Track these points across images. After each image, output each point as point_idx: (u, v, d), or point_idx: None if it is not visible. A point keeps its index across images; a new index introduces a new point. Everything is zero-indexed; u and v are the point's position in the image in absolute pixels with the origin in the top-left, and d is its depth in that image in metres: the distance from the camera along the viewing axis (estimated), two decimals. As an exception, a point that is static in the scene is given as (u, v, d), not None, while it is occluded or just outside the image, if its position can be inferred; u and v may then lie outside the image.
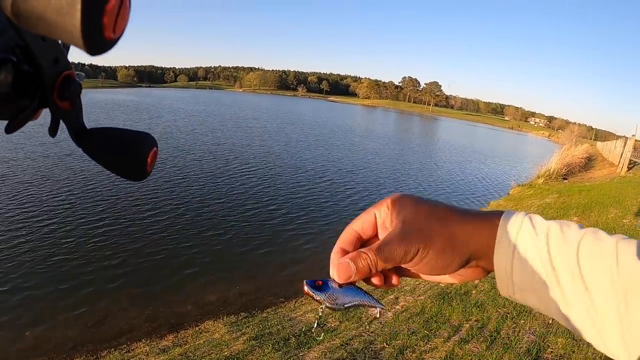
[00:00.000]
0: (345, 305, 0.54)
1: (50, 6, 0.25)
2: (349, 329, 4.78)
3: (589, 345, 2.78)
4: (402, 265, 0.55)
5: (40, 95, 0.36)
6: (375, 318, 0.58)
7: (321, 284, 0.55)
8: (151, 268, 7.49)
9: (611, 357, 0.47)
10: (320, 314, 0.55)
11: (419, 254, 0.52)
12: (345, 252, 0.56)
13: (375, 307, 0.56)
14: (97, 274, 7.02)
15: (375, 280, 0.55)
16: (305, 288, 0.55)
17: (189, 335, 5.46)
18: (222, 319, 5.63)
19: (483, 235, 0.53)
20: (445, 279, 0.58)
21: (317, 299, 0.54)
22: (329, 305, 0.54)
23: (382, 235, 0.57)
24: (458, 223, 0.53)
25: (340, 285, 0.55)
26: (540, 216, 0.53)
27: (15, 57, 0.32)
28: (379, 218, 0.57)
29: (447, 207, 0.55)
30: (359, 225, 0.58)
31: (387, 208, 0.56)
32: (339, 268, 0.54)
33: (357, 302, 0.55)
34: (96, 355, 5.04)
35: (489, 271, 0.56)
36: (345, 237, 0.58)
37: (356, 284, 0.56)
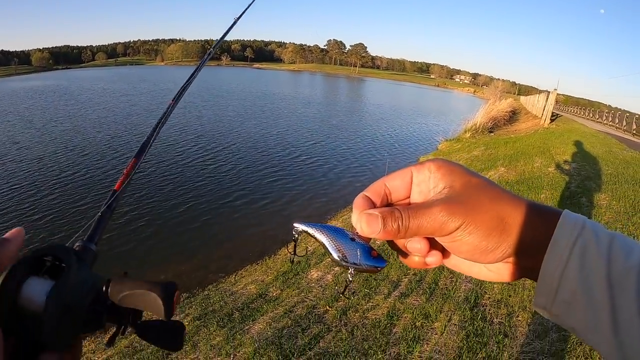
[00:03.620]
0: (356, 266, 0.49)
1: (147, 306, 0.49)
2: (291, 295, 4.78)
3: (524, 288, 2.87)
4: (437, 239, 0.48)
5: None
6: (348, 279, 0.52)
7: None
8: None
9: None
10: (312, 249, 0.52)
11: (461, 228, 0.45)
12: (370, 202, 0.50)
13: (375, 270, 0.50)
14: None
15: (414, 246, 0.49)
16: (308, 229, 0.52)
17: (133, 325, 5.30)
18: (163, 302, 5.48)
19: (536, 229, 0.45)
20: (474, 270, 0.52)
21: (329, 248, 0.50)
22: (341, 260, 0.49)
23: (416, 199, 0.51)
24: (510, 206, 0.46)
25: (352, 238, 0.50)
26: (602, 225, 0.46)
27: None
28: (416, 179, 0.50)
29: (498, 186, 0.48)
30: (392, 181, 0.51)
31: (429, 171, 0.49)
32: (367, 219, 0.47)
33: (363, 264, 0.49)
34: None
35: (523, 275, 0.49)
36: (375, 187, 0.51)
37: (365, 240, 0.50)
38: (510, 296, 4.20)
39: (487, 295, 4.29)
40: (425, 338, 3.70)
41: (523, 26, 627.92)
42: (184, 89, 0.84)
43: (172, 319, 0.52)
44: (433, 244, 0.49)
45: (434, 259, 0.50)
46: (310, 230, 0.51)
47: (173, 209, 9.54)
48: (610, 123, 28.74)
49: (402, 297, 4.42)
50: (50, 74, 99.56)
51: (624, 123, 25.64)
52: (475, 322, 3.81)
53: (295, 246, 0.55)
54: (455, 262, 0.52)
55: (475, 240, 0.45)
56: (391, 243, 0.52)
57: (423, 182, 0.50)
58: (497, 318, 3.88)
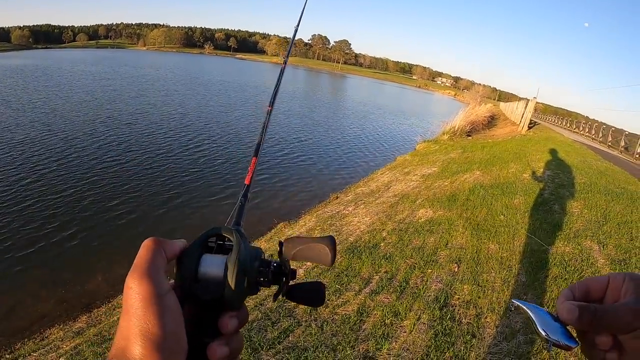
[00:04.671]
0: (555, 341, 0.58)
1: (316, 256, 0.61)
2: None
3: (493, 290, 2.89)
4: (620, 337, 0.55)
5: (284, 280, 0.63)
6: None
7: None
8: (54, 247, 7.11)
9: None
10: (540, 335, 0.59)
11: None
12: (572, 295, 0.60)
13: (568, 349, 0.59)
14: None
15: (601, 340, 0.56)
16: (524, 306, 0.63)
17: (102, 313, 5.27)
18: (134, 291, 5.42)
19: None
20: None
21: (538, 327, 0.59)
22: (545, 335, 0.58)
23: (608, 301, 0.58)
24: None
25: (555, 319, 0.59)
26: None
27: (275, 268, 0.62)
28: (612, 284, 0.58)
29: None
30: (592, 282, 0.60)
31: (624, 280, 0.57)
32: (568, 308, 0.57)
33: (561, 341, 0.58)
34: (10, 348, 4.70)
35: None
36: (579, 285, 0.61)
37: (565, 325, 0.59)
38: (479, 297, 4.23)
39: (456, 296, 4.32)
40: (394, 336, 3.72)
41: (507, 33, 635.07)
42: (275, 92, 0.95)
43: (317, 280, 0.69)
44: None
45: (614, 355, 0.56)
46: (525, 307, 0.62)
47: (140, 198, 9.53)
48: (587, 134, 29.21)
49: (373, 294, 4.42)
50: (29, 53, 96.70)
51: (600, 134, 26.06)
52: (444, 322, 3.84)
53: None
54: None
55: None
56: (580, 334, 0.59)
57: (617, 288, 0.57)
58: (465, 318, 3.91)
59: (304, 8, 1.28)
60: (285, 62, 0.99)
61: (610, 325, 0.55)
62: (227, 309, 0.55)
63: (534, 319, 0.60)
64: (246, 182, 0.81)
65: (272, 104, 0.94)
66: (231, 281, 0.54)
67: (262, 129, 0.89)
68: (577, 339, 0.58)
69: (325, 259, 0.61)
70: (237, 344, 0.56)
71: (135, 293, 0.47)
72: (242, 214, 0.75)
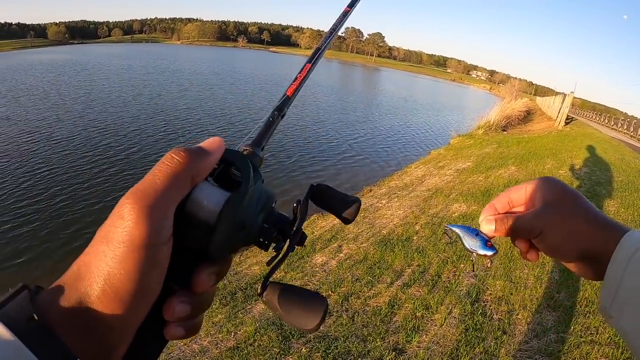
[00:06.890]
0: (475, 251, 0.69)
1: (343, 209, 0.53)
2: (294, 279, 4.81)
3: (525, 287, 2.89)
4: (533, 241, 0.64)
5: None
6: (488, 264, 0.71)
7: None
8: (82, 236, 7.22)
9: None
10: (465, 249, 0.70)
11: (542, 235, 0.61)
12: (495, 209, 0.69)
13: (487, 257, 0.69)
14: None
15: (519, 244, 0.66)
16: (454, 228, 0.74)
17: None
18: (166, 277, 5.53)
19: (603, 240, 0.57)
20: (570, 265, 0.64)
21: (457, 232, 0.72)
22: (467, 246, 0.70)
23: (529, 208, 0.67)
24: (586, 221, 0.59)
25: (477, 234, 0.69)
26: None
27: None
28: (529, 192, 0.66)
29: (584, 203, 0.62)
30: (513, 193, 0.68)
31: (536, 186, 0.65)
32: (486, 221, 0.67)
33: (479, 251, 0.68)
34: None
35: (597, 277, 0.60)
36: (500, 198, 0.69)
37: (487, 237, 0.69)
38: (511, 294, 4.22)
39: (488, 292, 4.31)
40: (424, 329, 3.74)
41: (544, 27, 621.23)
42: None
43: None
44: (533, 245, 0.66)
45: (533, 255, 0.66)
46: (456, 230, 0.73)
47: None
48: (626, 131, 28.41)
49: (405, 287, 4.45)
50: (66, 48, 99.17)
51: (639, 132, 25.38)
52: (475, 317, 3.84)
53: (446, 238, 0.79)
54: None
55: (551, 244, 0.61)
56: (512, 240, 0.67)
57: (533, 195, 0.65)
58: (497, 314, 3.91)
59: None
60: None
61: (518, 231, 0.63)
62: (208, 261, 0.42)
63: (461, 236, 0.70)
64: (288, 93, 0.64)
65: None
66: (222, 234, 0.40)
67: (330, 33, 0.80)
68: (495, 247, 0.68)
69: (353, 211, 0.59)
70: (206, 300, 0.44)
71: (124, 228, 0.35)
72: (268, 131, 0.58)
